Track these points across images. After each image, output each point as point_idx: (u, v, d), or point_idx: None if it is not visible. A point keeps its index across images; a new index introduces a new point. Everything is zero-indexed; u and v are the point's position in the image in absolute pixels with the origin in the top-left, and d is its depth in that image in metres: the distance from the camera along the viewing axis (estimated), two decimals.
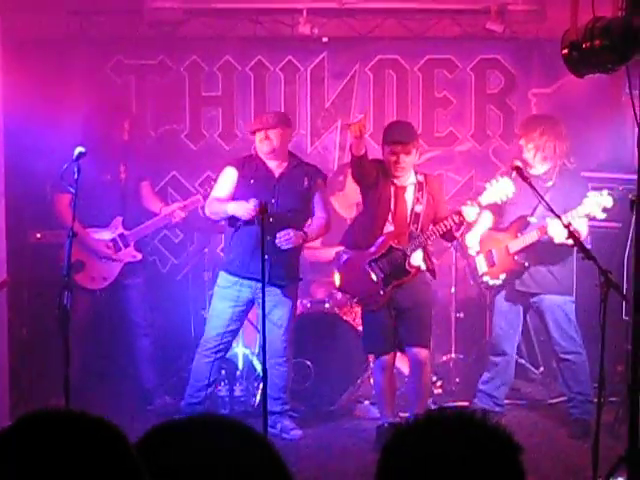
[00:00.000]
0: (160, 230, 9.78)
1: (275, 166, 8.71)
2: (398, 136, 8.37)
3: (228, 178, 8.76)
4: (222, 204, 8.66)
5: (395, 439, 2.49)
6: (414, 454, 2.41)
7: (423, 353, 8.56)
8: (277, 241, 8.36)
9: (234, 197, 8.69)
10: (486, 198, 8.34)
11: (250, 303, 8.80)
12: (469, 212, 8.27)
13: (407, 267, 8.42)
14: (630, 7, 6.35)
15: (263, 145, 8.64)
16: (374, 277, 8.44)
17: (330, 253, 9.74)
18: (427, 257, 8.56)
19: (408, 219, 8.45)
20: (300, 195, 8.71)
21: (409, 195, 8.47)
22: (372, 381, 9.43)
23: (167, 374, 9.73)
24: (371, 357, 9.11)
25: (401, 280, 8.44)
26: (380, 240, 8.44)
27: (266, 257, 7.54)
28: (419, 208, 8.43)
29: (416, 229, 8.42)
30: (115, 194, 9.25)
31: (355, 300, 8.80)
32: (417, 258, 8.45)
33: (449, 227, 8.32)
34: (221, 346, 8.87)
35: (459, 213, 8.28)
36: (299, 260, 8.90)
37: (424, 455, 2.39)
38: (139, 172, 9.46)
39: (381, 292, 8.43)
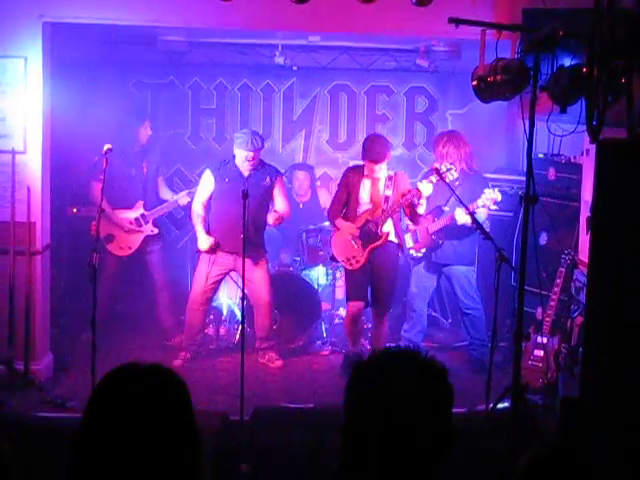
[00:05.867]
0: (170, 211, 9.79)
1: (245, 169, 8.73)
2: (374, 155, 8.38)
3: (207, 182, 8.84)
4: (197, 224, 8.84)
5: (357, 369, 2.50)
6: (374, 380, 2.43)
7: (381, 314, 8.70)
8: (270, 221, 8.72)
9: (212, 194, 8.80)
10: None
11: (229, 270, 8.89)
12: (425, 187, 8.30)
13: (379, 233, 8.46)
14: (523, 52, 6.41)
15: (248, 163, 8.67)
16: (354, 244, 8.51)
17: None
18: (397, 234, 8.61)
19: (381, 199, 8.49)
20: (264, 189, 8.74)
21: (381, 183, 8.52)
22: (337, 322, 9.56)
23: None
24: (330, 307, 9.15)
25: (375, 243, 8.47)
26: (360, 216, 8.54)
27: (241, 236, 7.54)
28: (389, 192, 8.48)
29: (387, 207, 8.47)
30: (138, 184, 9.26)
31: (342, 261, 8.70)
32: (387, 227, 8.49)
33: (410, 199, 8.33)
34: (205, 299, 8.94)
35: (417, 188, 8.32)
36: (264, 237, 8.94)
37: (382, 380, 2.42)
38: (157, 169, 9.47)
39: (361, 253, 8.50)
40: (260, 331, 9.01)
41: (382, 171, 8.51)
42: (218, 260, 8.76)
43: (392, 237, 8.54)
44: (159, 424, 2.35)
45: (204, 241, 8.74)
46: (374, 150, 8.40)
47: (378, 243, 8.47)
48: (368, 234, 8.48)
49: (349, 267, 8.60)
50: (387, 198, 8.48)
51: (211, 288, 8.90)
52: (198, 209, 8.86)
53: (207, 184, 8.84)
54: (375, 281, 8.59)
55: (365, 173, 8.51)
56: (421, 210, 8.46)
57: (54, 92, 8.15)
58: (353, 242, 8.52)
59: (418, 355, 2.47)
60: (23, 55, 7.78)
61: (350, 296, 8.68)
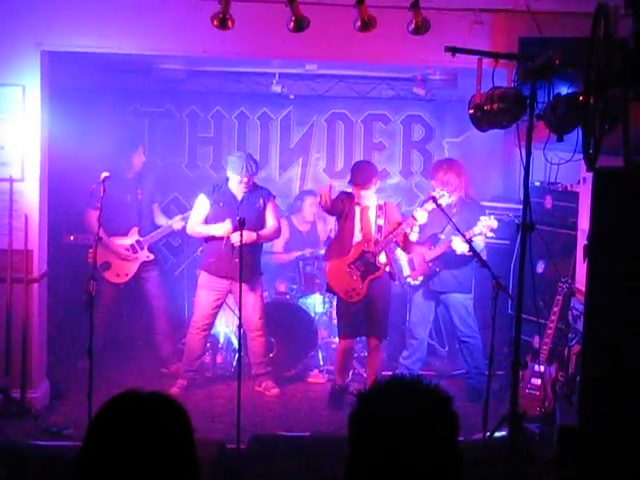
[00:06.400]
0: (166, 237, 9.80)
1: (238, 192, 8.77)
2: (358, 180, 8.40)
3: (202, 206, 8.86)
4: (204, 228, 8.83)
5: (360, 399, 2.48)
6: (378, 410, 2.41)
7: (378, 342, 8.62)
8: (231, 241, 8.51)
9: (207, 218, 8.83)
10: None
11: (227, 293, 8.87)
12: (420, 215, 8.31)
13: (377, 264, 8.43)
14: (520, 80, 6.44)
15: (243, 185, 8.71)
16: (353, 276, 8.46)
17: (291, 257, 9.88)
18: (389, 264, 8.58)
19: (373, 229, 8.47)
20: (257, 211, 8.80)
21: (372, 213, 8.52)
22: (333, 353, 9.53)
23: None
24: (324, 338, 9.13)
25: (375, 274, 8.44)
26: (354, 247, 8.48)
27: (236, 260, 7.54)
28: (380, 221, 8.47)
29: (380, 236, 8.46)
30: (133, 211, 9.33)
31: (342, 295, 8.57)
32: (383, 257, 8.47)
33: (404, 229, 8.36)
34: (206, 325, 8.94)
35: (412, 216, 8.34)
36: (260, 261, 8.97)
37: (386, 410, 2.40)
38: (151, 196, 9.55)
39: (360, 286, 8.44)
40: (254, 356, 9.00)
41: (371, 199, 8.53)
42: (215, 285, 8.79)
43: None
44: (160, 451, 2.35)
45: (222, 228, 8.68)
46: (359, 175, 8.44)
47: (378, 274, 8.46)
48: (366, 265, 8.45)
49: (348, 299, 8.53)
50: (380, 227, 8.48)
51: (211, 314, 8.92)
52: (195, 225, 8.88)
53: (202, 207, 8.85)
54: (370, 311, 8.53)
55: (355, 200, 8.53)
56: (413, 237, 8.47)
57: (52, 120, 8.18)
58: (350, 273, 8.49)
59: (421, 384, 2.46)
60: (21, 83, 7.81)
61: (343, 331, 8.67)
